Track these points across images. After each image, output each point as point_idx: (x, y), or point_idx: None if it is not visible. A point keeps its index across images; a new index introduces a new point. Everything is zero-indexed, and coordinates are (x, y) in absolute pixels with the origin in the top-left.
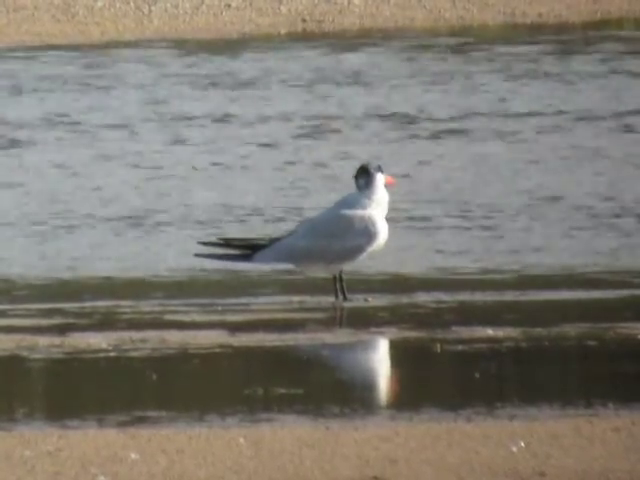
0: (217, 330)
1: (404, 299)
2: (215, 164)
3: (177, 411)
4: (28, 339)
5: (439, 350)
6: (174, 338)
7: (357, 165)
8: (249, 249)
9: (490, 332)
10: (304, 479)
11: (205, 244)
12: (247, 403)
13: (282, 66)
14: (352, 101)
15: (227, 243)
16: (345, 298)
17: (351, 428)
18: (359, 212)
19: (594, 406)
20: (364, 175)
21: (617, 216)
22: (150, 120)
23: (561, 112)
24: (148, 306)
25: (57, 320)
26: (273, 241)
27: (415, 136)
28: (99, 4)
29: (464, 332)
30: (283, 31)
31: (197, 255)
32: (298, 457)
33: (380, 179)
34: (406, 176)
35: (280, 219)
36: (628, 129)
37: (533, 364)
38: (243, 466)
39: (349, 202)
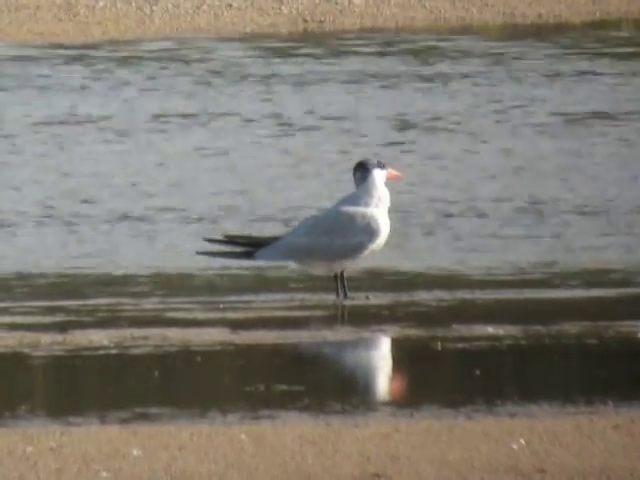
0: (219, 327)
1: (405, 297)
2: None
3: (179, 408)
4: (30, 336)
5: (440, 348)
6: (176, 335)
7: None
8: (252, 246)
9: (490, 330)
10: (305, 476)
11: (210, 241)
12: (248, 400)
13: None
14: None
15: (231, 240)
16: (346, 296)
17: (352, 425)
18: (361, 209)
19: (594, 404)
20: (361, 170)
21: (626, 213)
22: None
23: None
24: (150, 303)
25: (59, 317)
26: (275, 239)
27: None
28: (100, 4)
29: (464, 330)
30: (284, 31)
31: (199, 253)
32: (299, 454)
33: (379, 175)
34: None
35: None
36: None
37: (533, 362)
38: (244, 462)
39: (351, 200)
